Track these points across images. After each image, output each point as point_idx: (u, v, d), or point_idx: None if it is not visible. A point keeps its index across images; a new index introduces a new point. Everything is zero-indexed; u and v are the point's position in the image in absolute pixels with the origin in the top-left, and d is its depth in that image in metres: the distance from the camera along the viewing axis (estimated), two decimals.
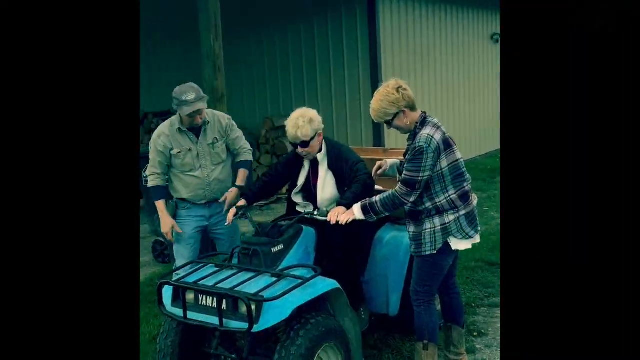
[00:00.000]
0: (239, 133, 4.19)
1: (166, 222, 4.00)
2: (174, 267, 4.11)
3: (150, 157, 4.00)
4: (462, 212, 3.29)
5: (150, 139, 4.08)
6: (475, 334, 4.15)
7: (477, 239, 3.42)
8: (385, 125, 3.42)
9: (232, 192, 4.01)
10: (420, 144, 3.20)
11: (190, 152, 3.98)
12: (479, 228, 3.43)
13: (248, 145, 4.27)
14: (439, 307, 3.74)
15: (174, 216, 4.06)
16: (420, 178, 3.21)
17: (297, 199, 3.90)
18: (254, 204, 4.02)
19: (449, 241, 3.29)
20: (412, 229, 3.39)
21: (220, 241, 4.23)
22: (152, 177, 3.99)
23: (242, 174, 4.20)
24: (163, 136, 3.92)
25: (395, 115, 3.31)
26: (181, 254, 4.06)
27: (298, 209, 3.91)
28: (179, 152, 3.96)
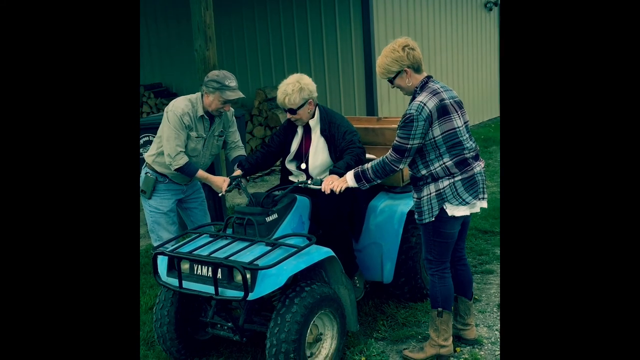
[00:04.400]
0: (236, 126, 4.17)
1: (218, 181, 3.89)
2: (154, 242, 4.08)
3: (173, 134, 3.79)
4: (458, 178, 3.24)
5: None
6: None
7: (477, 207, 3.34)
8: (388, 83, 3.37)
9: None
10: (411, 111, 3.18)
11: (201, 139, 3.95)
12: (483, 195, 3.34)
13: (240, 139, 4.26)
14: None
15: (153, 189, 4.01)
16: (409, 146, 3.19)
17: (291, 166, 3.91)
18: (250, 176, 4.02)
19: (444, 207, 3.28)
20: (415, 195, 3.38)
21: (193, 211, 4.24)
22: (179, 156, 3.80)
23: None
24: (187, 116, 3.81)
25: (398, 74, 3.27)
26: (163, 227, 4.04)
27: (291, 178, 3.92)
28: (197, 137, 3.90)
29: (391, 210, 3.94)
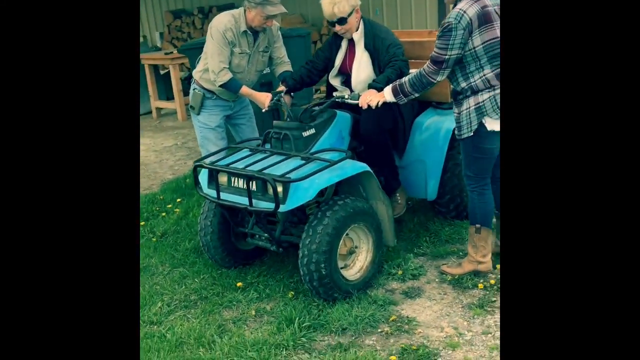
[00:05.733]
0: (281, 41, 4.11)
1: (261, 97, 3.87)
2: (203, 155, 4.14)
3: (217, 50, 3.80)
4: (499, 90, 3.12)
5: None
6: None
7: None
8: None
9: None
10: (449, 19, 3.02)
11: (246, 55, 3.94)
12: None
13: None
14: None
15: (201, 105, 4.08)
16: (447, 56, 3.06)
17: (335, 81, 3.87)
18: (296, 92, 4.02)
19: (483, 122, 3.16)
20: (455, 110, 3.28)
21: (241, 127, 4.29)
22: (222, 72, 3.82)
23: None
24: (230, 32, 3.81)
25: None
26: (212, 142, 4.12)
27: (335, 94, 3.88)
28: (240, 53, 3.90)
29: (436, 127, 3.85)
